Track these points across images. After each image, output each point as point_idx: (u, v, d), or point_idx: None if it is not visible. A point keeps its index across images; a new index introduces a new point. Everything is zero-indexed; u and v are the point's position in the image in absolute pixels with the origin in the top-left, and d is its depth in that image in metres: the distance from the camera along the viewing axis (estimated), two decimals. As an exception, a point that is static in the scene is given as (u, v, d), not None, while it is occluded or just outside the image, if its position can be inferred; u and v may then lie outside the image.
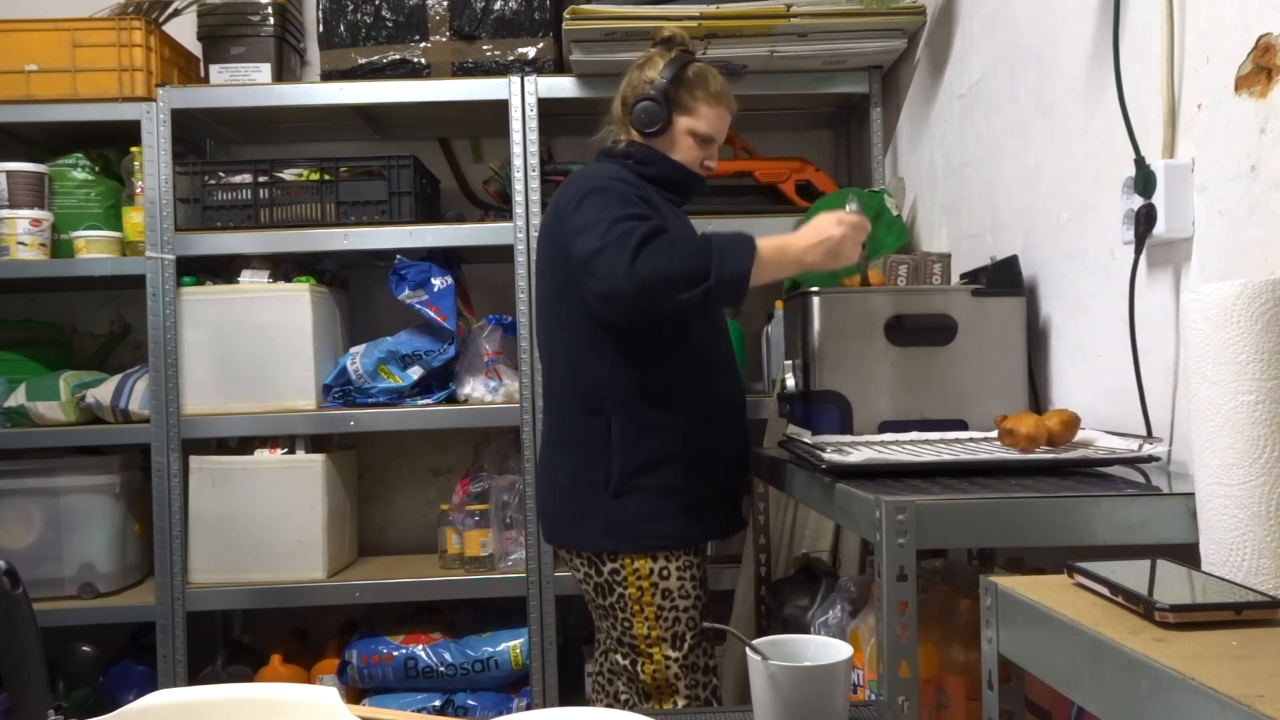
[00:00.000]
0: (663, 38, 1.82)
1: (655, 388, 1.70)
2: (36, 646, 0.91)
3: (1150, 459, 1.29)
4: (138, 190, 2.42)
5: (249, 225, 2.40)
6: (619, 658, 1.74)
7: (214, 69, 2.46)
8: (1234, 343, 0.80)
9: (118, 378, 2.42)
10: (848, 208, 1.64)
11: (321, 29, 2.44)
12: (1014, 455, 1.30)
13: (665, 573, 1.69)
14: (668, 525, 1.69)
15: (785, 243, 1.61)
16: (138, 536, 2.52)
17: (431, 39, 2.43)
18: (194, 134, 2.65)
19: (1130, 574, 0.79)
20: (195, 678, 2.43)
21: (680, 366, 1.72)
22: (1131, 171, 1.32)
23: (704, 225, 2.25)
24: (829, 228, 1.61)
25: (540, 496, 1.83)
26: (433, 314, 2.38)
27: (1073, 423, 1.32)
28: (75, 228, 2.43)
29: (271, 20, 2.46)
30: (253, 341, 2.38)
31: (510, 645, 2.36)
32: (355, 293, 2.77)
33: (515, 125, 2.38)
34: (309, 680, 2.43)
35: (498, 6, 2.42)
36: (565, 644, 2.50)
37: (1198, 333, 0.83)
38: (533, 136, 2.37)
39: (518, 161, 2.38)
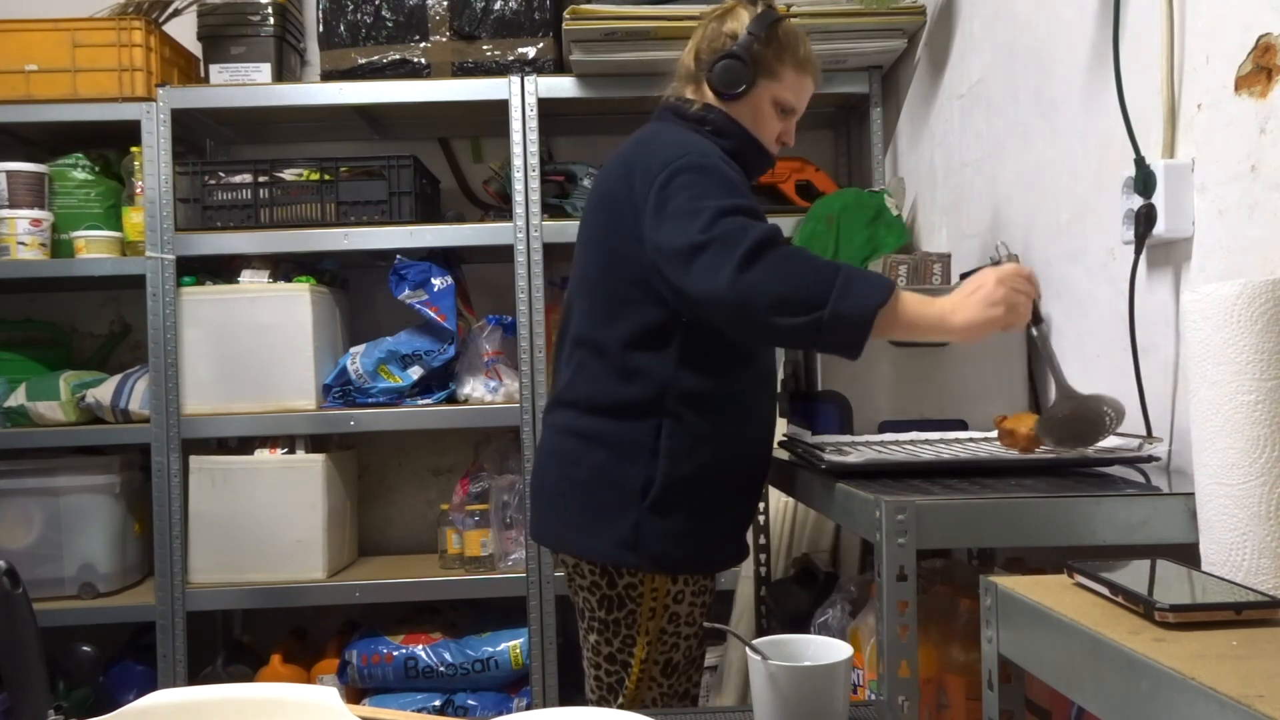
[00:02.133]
0: None
1: (720, 397, 1.48)
2: (36, 646, 0.91)
3: (1150, 459, 1.29)
4: (138, 190, 2.42)
5: (249, 225, 2.40)
6: (601, 675, 1.56)
7: (214, 69, 2.46)
8: (1234, 343, 0.80)
9: (118, 378, 2.42)
10: (1003, 257, 1.37)
11: (321, 29, 2.44)
12: (1014, 455, 1.30)
13: (680, 596, 1.51)
14: (694, 548, 1.49)
15: (933, 299, 1.33)
16: (138, 536, 2.52)
17: (431, 39, 2.43)
18: (194, 134, 2.65)
19: (1130, 574, 0.79)
20: (195, 678, 2.43)
21: (749, 378, 1.52)
22: (1131, 171, 1.32)
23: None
24: (985, 280, 1.31)
25: (543, 489, 1.56)
26: (433, 314, 2.38)
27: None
28: (75, 228, 2.43)
29: (271, 20, 2.46)
30: (253, 341, 2.38)
31: (510, 645, 2.36)
32: (355, 293, 2.77)
33: (515, 125, 2.38)
34: (309, 680, 2.43)
35: (498, 6, 2.42)
36: (565, 644, 2.50)
37: (1198, 333, 0.83)
38: (533, 136, 2.37)
39: (518, 161, 2.38)
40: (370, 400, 2.40)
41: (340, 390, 2.41)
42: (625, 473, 1.47)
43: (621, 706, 1.54)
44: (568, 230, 2.34)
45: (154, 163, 2.38)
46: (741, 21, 1.54)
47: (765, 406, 1.57)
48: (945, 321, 1.31)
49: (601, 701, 1.58)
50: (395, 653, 2.35)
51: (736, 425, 1.51)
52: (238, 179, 2.41)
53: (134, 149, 2.41)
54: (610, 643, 1.53)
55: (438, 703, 2.34)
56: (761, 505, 2.10)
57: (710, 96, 1.55)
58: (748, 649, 0.83)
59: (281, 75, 2.50)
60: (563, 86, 2.39)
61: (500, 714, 2.32)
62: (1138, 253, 1.33)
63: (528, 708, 2.35)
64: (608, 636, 1.53)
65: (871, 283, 1.29)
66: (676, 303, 1.41)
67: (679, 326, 1.45)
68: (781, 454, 1.69)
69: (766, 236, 1.30)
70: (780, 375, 1.94)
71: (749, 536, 1.68)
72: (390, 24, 2.43)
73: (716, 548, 1.53)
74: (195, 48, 2.55)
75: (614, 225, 1.48)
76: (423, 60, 2.43)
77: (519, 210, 2.37)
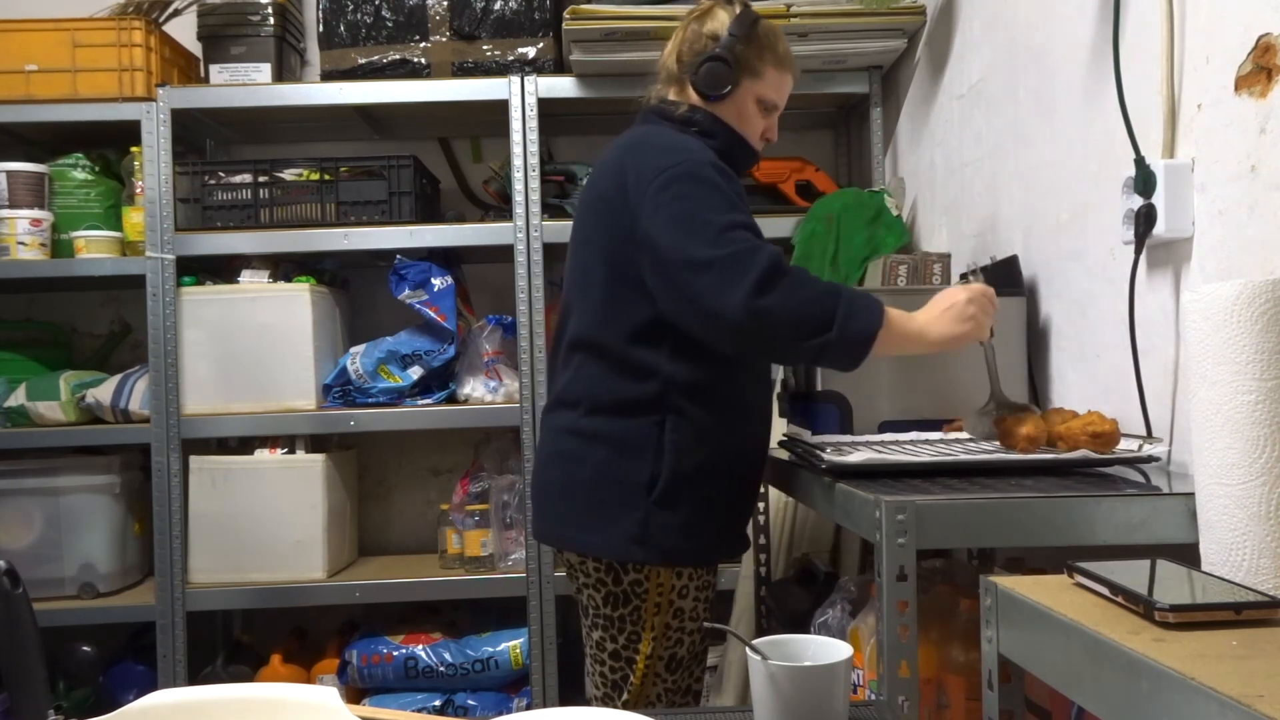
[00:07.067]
0: None
1: (720, 392, 1.51)
2: (36, 646, 0.91)
3: (1150, 459, 1.29)
4: (138, 190, 2.42)
5: (249, 225, 2.40)
6: (605, 671, 1.57)
7: (214, 69, 2.46)
8: (1234, 343, 0.80)
9: (118, 378, 2.42)
10: (970, 278, 1.50)
11: (321, 29, 2.44)
12: (1014, 455, 1.30)
13: (684, 591, 1.52)
14: (701, 540, 1.51)
15: (911, 315, 1.43)
16: (138, 536, 2.52)
17: (431, 39, 2.43)
18: (194, 134, 2.65)
19: (1130, 574, 0.79)
20: (195, 678, 2.43)
21: (745, 374, 1.54)
22: (1131, 171, 1.32)
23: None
24: (957, 297, 1.44)
25: (547, 488, 1.57)
26: (433, 314, 2.38)
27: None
28: (75, 228, 2.43)
29: (271, 20, 2.46)
30: (253, 341, 2.38)
31: (510, 645, 2.36)
32: (355, 293, 2.77)
33: (515, 125, 2.38)
34: (309, 680, 2.43)
35: (498, 6, 2.42)
36: (565, 644, 2.50)
37: (1198, 333, 0.83)
38: (533, 136, 2.37)
39: (518, 161, 2.38)
40: (370, 400, 2.40)
41: (340, 390, 2.41)
42: (630, 469, 1.48)
43: (626, 703, 1.55)
44: (568, 230, 2.32)
45: (154, 163, 2.37)
46: (721, 22, 1.57)
47: (763, 401, 1.61)
48: (924, 335, 1.42)
49: (605, 699, 1.59)
50: (395, 653, 2.35)
51: (737, 420, 1.53)
52: (238, 179, 2.41)
53: (134, 149, 2.41)
54: (615, 639, 1.53)
55: (438, 703, 2.34)
56: (761, 505, 2.10)
57: (694, 97, 1.57)
58: (748, 649, 0.83)
59: (281, 75, 2.50)
60: (563, 86, 2.39)
61: (500, 714, 2.32)
62: (1138, 253, 1.33)
63: (528, 708, 2.35)
64: (613, 633, 1.54)
65: (869, 306, 1.38)
66: (677, 309, 1.42)
67: (672, 325, 1.46)
68: (781, 454, 1.69)
69: (775, 262, 1.35)
70: (780, 376, 1.94)
71: (750, 533, 1.70)
72: (390, 24, 2.43)
73: (720, 540, 1.56)
74: (195, 48, 2.54)
75: (609, 227, 1.50)
76: (423, 60, 2.43)
77: (519, 210, 2.37)
